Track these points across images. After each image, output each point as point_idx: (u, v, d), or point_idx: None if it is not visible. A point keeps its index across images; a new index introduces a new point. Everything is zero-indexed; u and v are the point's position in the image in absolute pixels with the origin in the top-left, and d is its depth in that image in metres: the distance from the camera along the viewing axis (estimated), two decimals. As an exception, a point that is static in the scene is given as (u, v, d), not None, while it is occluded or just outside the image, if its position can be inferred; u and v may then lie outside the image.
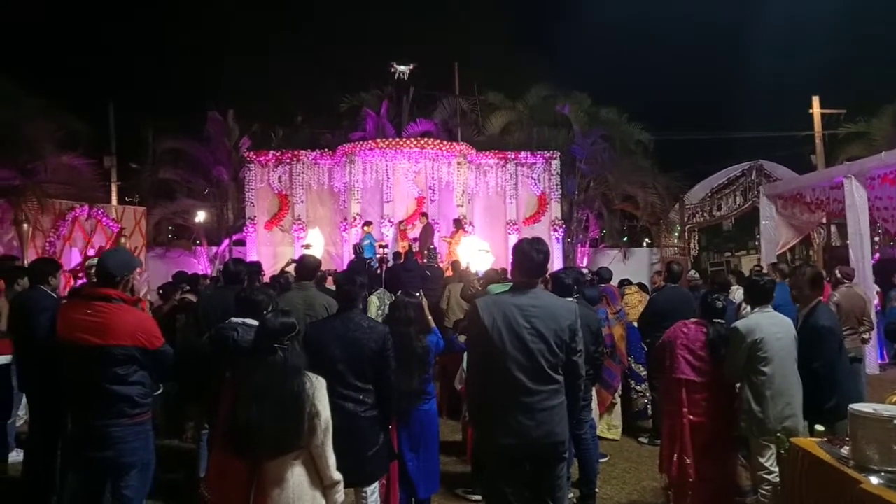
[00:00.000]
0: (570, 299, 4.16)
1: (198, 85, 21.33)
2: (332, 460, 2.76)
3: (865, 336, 7.02)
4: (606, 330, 5.93)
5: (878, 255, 13.04)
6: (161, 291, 6.93)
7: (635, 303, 6.97)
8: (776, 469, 3.86)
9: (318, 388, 2.74)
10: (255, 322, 3.93)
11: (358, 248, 11.63)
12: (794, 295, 4.52)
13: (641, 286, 8.22)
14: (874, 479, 2.61)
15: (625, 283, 7.96)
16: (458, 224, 13.63)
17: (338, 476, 2.79)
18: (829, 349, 4.11)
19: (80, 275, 9.94)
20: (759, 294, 4.17)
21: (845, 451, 2.95)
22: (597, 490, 4.80)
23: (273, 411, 2.60)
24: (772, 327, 3.96)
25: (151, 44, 28.81)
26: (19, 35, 23.70)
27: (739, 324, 4.05)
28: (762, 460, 3.92)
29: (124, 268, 3.40)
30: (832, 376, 4.04)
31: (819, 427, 3.57)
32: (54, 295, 4.76)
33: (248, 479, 2.66)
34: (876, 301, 10.27)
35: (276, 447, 2.63)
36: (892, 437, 2.63)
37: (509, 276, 6.44)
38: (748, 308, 5.58)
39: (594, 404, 5.46)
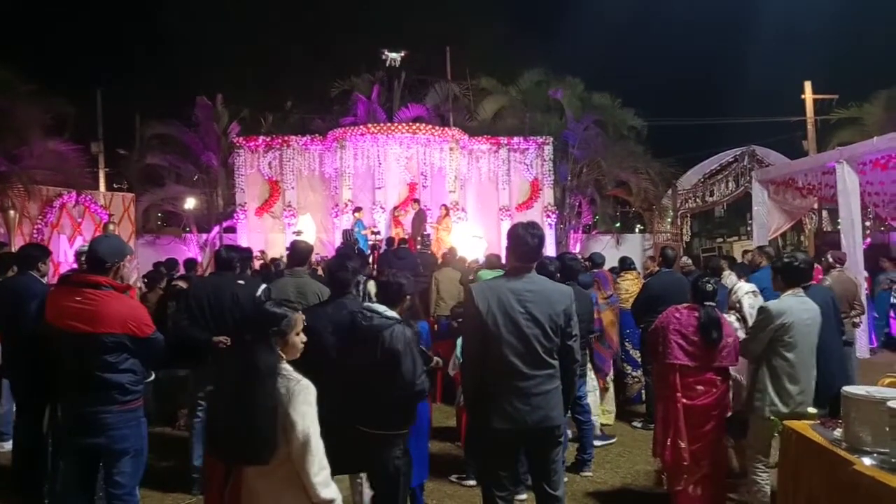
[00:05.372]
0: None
1: (186, 70, 21.06)
2: (318, 477, 2.31)
3: (856, 320, 7.08)
4: (595, 314, 5.93)
5: (868, 239, 13.13)
6: (146, 279, 6.89)
7: (635, 290, 6.86)
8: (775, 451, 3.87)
9: (296, 394, 2.32)
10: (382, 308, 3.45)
11: (348, 234, 11.57)
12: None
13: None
14: (867, 461, 2.63)
15: (627, 262, 7.64)
16: (445, 209, 13.55)
17: (328, 495, 2.33)
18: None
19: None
20: (793, 275, 3.98)
21: (838, 433, 2.97)
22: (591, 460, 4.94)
23: (238, 415, 2.27)
24: (802, 313, 3.84)
25: (139, 28, 28.41)
26: (2, 19, 23.31)
27: (771, 304, 3.92)
28: (765, 442, 3.92)
29: (115, 254, 3.34)
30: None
31: (811, 409, 3.59)
32: (43, 281, 4.69)
33: (223, 482, 2.52)
34: (864, 286, 10.34)
35: (240, 455, 2.33)
36: (884, 419, 2.65)
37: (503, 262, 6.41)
38: (738, 292, 5.63)
39: (590, 378, 5.52)
